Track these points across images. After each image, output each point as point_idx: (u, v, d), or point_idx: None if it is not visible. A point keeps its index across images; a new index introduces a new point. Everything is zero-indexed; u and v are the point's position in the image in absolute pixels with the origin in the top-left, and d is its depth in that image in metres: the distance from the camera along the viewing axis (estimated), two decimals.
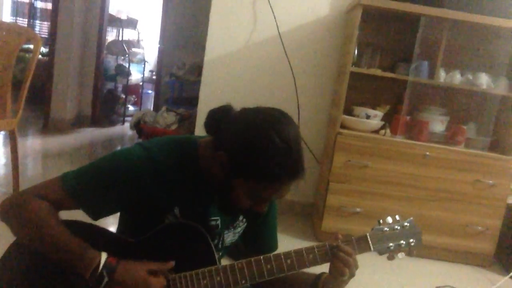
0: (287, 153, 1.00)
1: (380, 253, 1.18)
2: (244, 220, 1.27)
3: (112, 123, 5.88)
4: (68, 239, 1.00)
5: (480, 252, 2.74)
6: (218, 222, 1.19)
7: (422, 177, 2.66)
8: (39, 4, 7.98)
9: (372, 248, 1.15)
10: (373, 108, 2.88)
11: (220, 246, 1.23)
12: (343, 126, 2.76)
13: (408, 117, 2.84)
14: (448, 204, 2.68)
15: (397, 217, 1.20)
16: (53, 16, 4.81)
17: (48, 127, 4.84)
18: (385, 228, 1.18)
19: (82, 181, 1.06)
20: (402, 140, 2.71)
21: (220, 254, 1.26)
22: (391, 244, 1.17)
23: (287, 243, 2.23)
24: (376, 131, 2.81)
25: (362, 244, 1.15)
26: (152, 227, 1.11)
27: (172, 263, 1.07)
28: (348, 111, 2.85)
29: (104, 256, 1.00)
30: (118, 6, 6.75)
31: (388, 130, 2.76)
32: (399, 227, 1.19)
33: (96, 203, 1.07)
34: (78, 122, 5.22)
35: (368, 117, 2.80)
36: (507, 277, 2.59)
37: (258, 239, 1.34)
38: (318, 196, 3.06)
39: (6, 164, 3.31)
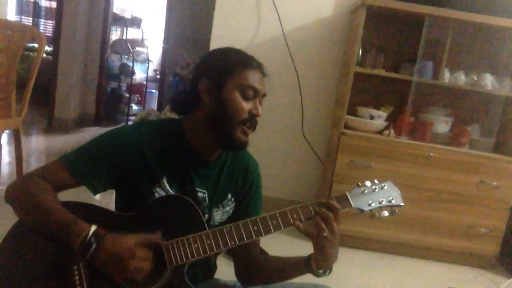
0: (247, 53, 1.26)
1: (362, 209, 1.19)
2: (233, 199, 1.32)
3: (115, 122, 5.89)
4: (61, 212, 1.08)
5: (483, 254, 2.73)
6: (205, 195, 1.27)
7: (425, 178, 2.65)
8: (44, 3, 8.01)
9: (352, 204, 1.18)
10: (377, 108, 2.87)
11: (211, 222, 1.28)
12: (346, 127, 2.76)
13: (412, 118, 2.83)
14: (451, 206, 2.67)
15: (376, 181, 1.25)
16: (57, 15, 4.82)
17: (52, 126, 4.86)
18: (363, 188, 1.21)
19: (79, 156, 1.18)
20: (406, 141, 2.71)
21: None
22: (371, 201, 1.20)
23: (289, 243, 2.22)
24: (380, 132, 2.81)
25: (342, 202, 1.17)
26: (143, 202, 1.18)
27: (158, 232, 1.12)
28: (352, 112, 2.85)
29: (93, 227, 1.05)
30: (122, 5, 6.76)
31: (392, 131, 2.76)
32: (377, 188, 1.23)
33: (93, 174, 1.17)
34: (82, 121, 5.24)
35: (372, 117, 2.80)
36: (511, 280, 2.58)
37: None
38: (321, 197, 3.05)
39: (10, 163, 3.32)
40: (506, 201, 2.67)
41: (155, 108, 6.01)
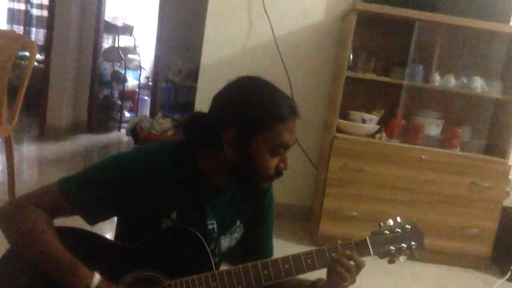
0: (277, 93, 1.10)
1: (381, 257, 1.16)
2: (242, 226, 1.26)
3: (108, 130, 5.88)
4: (61, 255, 0.98)
5: (476, 255, 2.75)
6: (214, 226, 1.19)
7: (418, 180, 2.67)
8: (35, 12, 7.98)
9: (372, 252, 1.14)
10: (369, 112, 2.89)
11: (216, 251, 1.23)
12: (339, 131, 2.77)
13: (403, 121, 2.85)
14: (444, 207, 2.69)
15: (399, 219, 1.18)
16: (49, 23, 4.81)
17: (44, 133, 4.83)
18: (386, 231, 1.16)
19: (79, 186, 1.06)
20: (398, 143, 2.73)
21: (217, 259, 1.25)
22: (391, 247, 1.15)
23: (284, 247, 2.24)
24: (372, 135, 2.82)
25: (361, 248, 1.13)
26: (149, 232, 1.10)
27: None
28: (344, 116, 2.86)
29: (97, 278, 0.98)
30: (114, 13, 6.76)
31: (383, 134, 2.78)
32: (400, 230, 1.17)
33: (94, 208, 1.07)
34: (74, 129, 5.21)
35: (363, 121, 2.81)
36: (503, 280, 2.59)
37: (254, 248, 1.33)
38: (314, 200, 3.06)
39: (2, 171, 3.30)
40: (497, 201, 2.69)
41: (148, 115, 6.00)
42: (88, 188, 1.06)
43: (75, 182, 1.07)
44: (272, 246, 1.37)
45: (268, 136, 1.05)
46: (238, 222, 1.25)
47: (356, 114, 2.84)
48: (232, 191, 1.22)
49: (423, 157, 2.65)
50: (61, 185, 1.06)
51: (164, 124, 4.16)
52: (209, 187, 1.15)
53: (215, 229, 1.19)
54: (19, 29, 7.96)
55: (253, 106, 1.06)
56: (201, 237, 1.09)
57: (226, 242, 1.25)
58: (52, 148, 4.48)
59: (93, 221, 1.08)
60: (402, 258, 1.16)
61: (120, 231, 1.23)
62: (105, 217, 1.11)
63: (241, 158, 1.07)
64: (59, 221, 1.08)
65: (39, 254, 0.99)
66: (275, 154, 1.07)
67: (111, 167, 1.09)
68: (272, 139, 1.05)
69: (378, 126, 2.83)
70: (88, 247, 1.03)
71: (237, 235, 1.27)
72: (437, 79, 2.78)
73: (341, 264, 1.09)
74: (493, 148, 2.81)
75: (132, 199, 1.08)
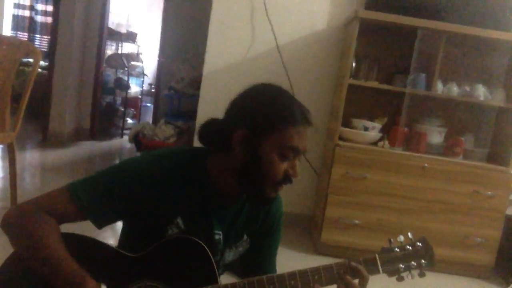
0: (292, 99, 1.10)
1: (389, 275, 1.14)
2: (248, 240, 1.25)
3: (110, 136, 5.89)
4: (67, 264, 0.97)
5: (479, 264, 2.73)
6: (220, 237, 1.18)
7: (420, 188, 2.66)
8: (39, 18, 8.04)
9: (381, 271, 1.12)
10: (371, 120, 2.89)
11: (220, 263, 1.22)
12: (341, 138, 2.77)
13: (406, 129, 2.84)
14: (446, 216, 2.68)
15: (410, 235, 1.17)
16: (53, 30, 4.84)
17: (46, 140, 4.84)
18: (396, 248, 1.14)
19: (89, 190, 1.06)
20: (400, 151, 2.72)
21: (220, 271, 1.24)
22: (401, 265, 1.13)
23: (286, 255, 2.22)
24: (375, 143, 2.82)
25: (370, 266, 1.11)
26: (154, 238, 1.10)
27: None
28: (346, 123, 2.86)
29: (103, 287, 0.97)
30: (118, 20, 6.80)
31: (386, 142, 2.77)
32: (410, 247, 1.15)
33: (102, 211, 1.06)
34: (77, 135, 5.23)
35: (366, 129, 2.81)
36: None
37: (257, 264, 1.32)
38: (317, 208, 3.05)
39: (4, 178, 3.30)
40: (500, 210, 2.67)
41: (150, 122, 6.01)
42: (97, 192, 1.06)
43: (84, 186, 1.07)
44: (275, 264, 1.36)
45: (278, 138, 1.04)
46: (245, 237, 1.24)
47: (358, 122, 2.84)
48: (240, 205, 1.21)
49: (426, 165, 2.64)
50: (70, 190, 1.06)
51: (167, 131, 4.17)
52: (217, 195, 1.14)
53: (221, 240, 1.18)
54: (23, 36, 8.01)
55: (266, 107, 1.06)
56: (207, 249, 1.08)
57: (230, 256, 1.23)
58: (54, 155, 4.49)
59: (101, 224, 1.08)
60: (411, 276, 1.14)
61: (124, 237, 1.22)
62: (114, 220, 1.11)
63: (250, 159, 1.05)
64: (63, 227, 1.07)
65: (44, 261, 0.98)
66: (284, 158, 1.05)
67: (119, 171, 1.10)
68: (282, 141, 1.04)
69: (381, 134, 2.83)
70: (91, 255, 1.02)
71: (242, 249, 1.26)
72: (439, 87, 2.78)
73: (347, 282, 1.08)
74: (496, 156, 2.80)
75: (140, 202, 1.07)
